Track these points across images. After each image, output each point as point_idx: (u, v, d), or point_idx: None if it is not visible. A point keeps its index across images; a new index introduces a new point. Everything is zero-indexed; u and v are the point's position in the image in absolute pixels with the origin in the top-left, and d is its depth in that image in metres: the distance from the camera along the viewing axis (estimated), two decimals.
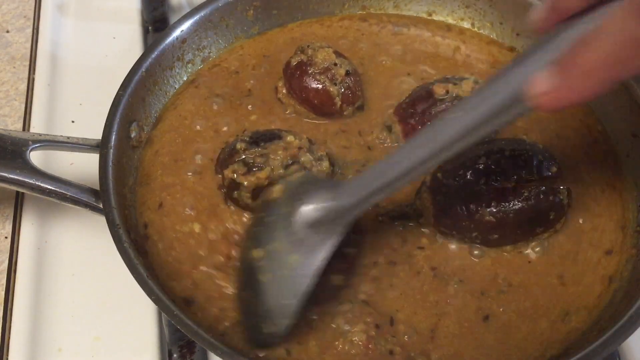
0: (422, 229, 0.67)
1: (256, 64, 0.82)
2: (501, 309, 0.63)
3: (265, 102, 0.78)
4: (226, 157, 0.68)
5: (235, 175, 0.66)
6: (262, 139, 0.68)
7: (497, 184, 0.64)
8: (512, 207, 0.64)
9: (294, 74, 0.75)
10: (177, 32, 0.78)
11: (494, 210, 0.64)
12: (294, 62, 0.75)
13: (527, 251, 0.66)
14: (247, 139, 0.68)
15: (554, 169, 0.65)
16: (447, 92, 0.71)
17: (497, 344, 0.61)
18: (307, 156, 0.66)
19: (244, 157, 0.66)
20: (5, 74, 0.91)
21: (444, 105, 0.71)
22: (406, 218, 0.68)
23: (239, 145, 0.67)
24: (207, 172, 0.71)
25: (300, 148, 0.67)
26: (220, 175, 0.69)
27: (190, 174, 0.72)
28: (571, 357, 0.56)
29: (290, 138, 0.67)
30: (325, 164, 0.68)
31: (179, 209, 0.69)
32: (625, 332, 0.57)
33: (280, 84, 0.77)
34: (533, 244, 0.66)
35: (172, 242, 0.67)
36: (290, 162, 0.66)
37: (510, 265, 0.66)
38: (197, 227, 0.68)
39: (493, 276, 0.65)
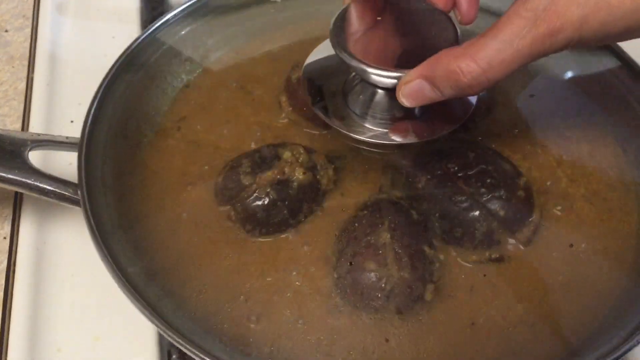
0: None
1: (257, 65, 0.82)
2: None
3: (266, 104, 0.78)
4: (232, 195, 0.66)
5: None
6: (264, 164, 0.66)
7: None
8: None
9: (297, 91, 0.73)
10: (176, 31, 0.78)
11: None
12: (294, 77, 0.74)
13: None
14: (249, 169, 0.66)
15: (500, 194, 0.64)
16: None
17: None
18: (304, 172, 0.66)
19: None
20: (4, 73, 0.91)
21: None
22: None
23: (244, 180, 0.65)
24: (206, 181, 0.71)
25: (299, 163, 0.66)
26: (222, 203, 0.67)
27: (189, 184, 0.71)
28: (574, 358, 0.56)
29: (288, 155, 0.66)
30: (330, 172, 0.68)
31: (176, 218, 0.68)
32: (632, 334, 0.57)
33: (284, 99, 0.76)
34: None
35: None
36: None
37: None
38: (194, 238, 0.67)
39: None
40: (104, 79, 0.72)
